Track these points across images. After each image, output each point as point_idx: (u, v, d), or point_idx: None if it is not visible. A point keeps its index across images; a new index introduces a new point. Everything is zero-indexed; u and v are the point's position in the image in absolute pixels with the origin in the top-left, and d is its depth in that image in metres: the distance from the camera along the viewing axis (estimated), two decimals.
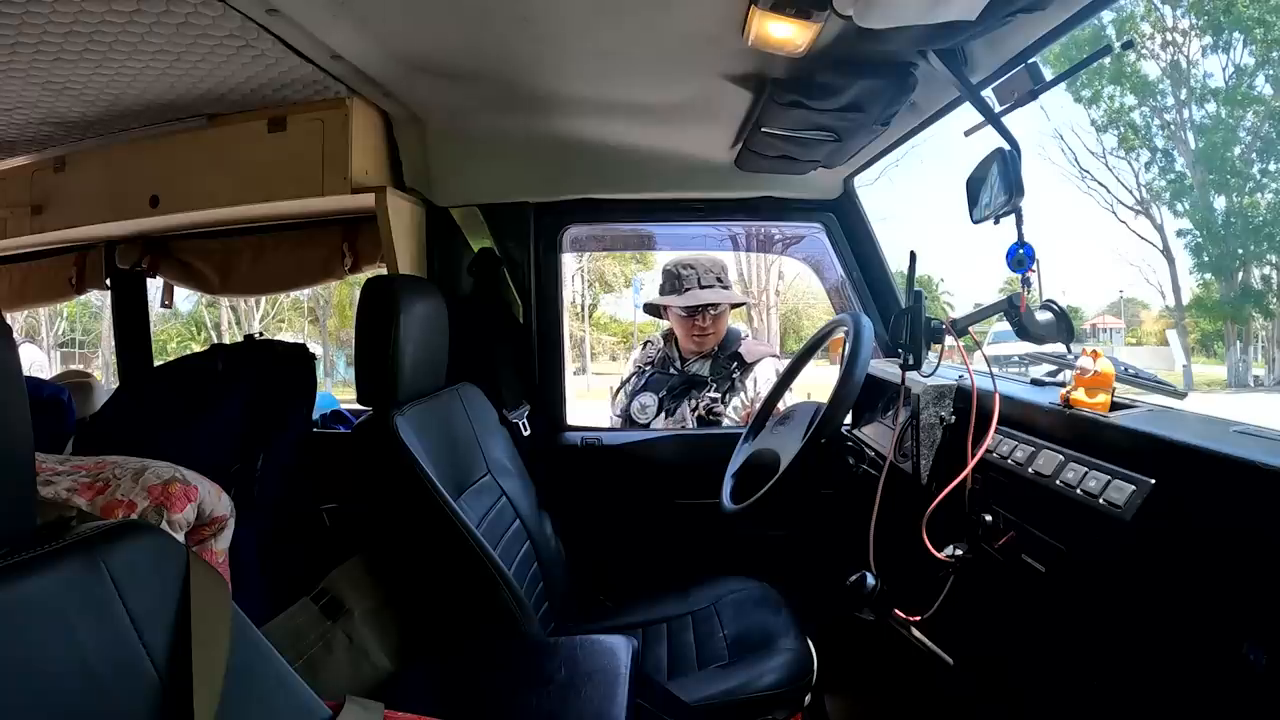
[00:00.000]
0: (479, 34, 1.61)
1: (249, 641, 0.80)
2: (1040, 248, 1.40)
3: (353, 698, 0.93)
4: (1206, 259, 21.07)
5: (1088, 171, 22.72)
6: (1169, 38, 20.77)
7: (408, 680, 1.59)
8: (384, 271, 2.21)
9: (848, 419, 2.08)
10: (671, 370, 2.84)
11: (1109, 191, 22.39)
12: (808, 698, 1.80)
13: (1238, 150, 20.57)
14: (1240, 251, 20.65)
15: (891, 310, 2.36)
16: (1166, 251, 22.17)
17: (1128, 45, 20.00)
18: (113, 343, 3.13)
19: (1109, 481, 1.09)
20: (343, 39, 1.66)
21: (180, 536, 1.31)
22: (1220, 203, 20.90)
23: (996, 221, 1.47)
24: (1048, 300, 1.45)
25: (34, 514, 0.71)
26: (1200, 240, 21.01)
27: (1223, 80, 20.80)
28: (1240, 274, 20.91)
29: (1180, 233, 21.69)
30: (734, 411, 2.70)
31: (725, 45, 1.53)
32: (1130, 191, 22.11)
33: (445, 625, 1.54)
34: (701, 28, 1.48)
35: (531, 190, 2.35)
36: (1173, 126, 21.35)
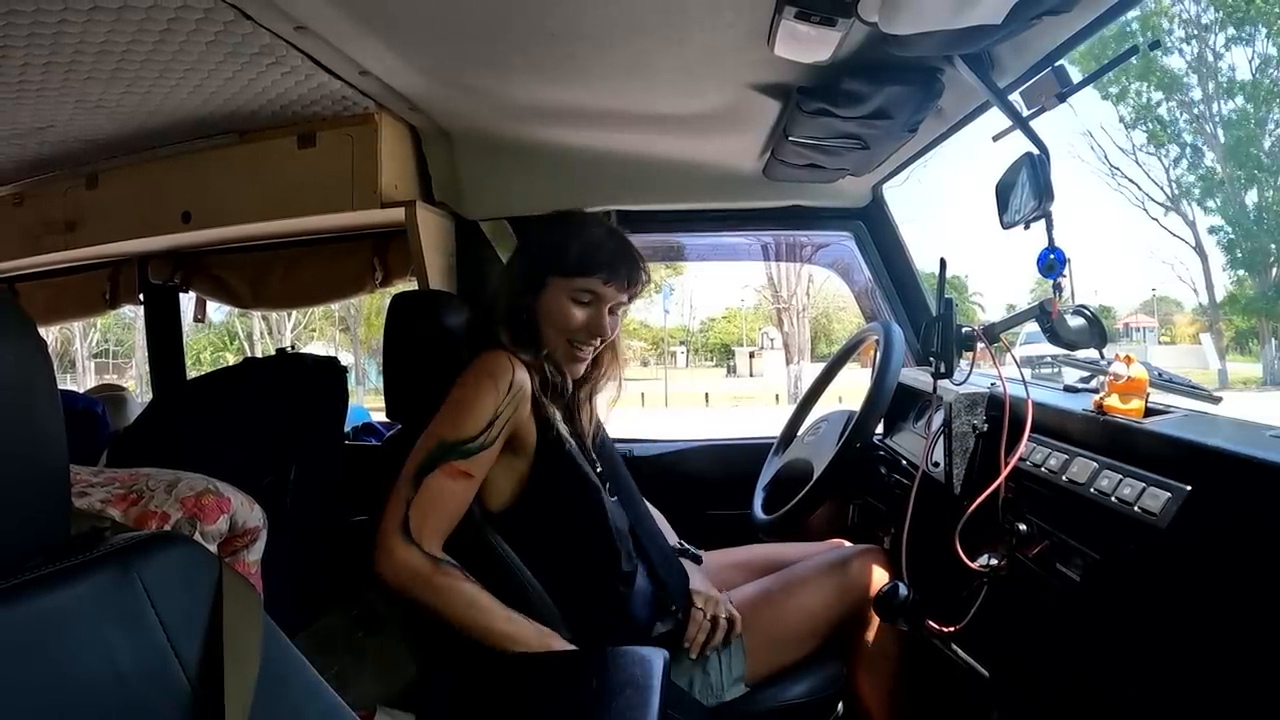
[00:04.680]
0: (505, 48, 1.62)
1: (281, 652, 0.80)
2: (1072, 246, 1.39)
3: (383, 708, 0.94)
4: (1239, 255, 20.84)
5: (1118, 168, 22.54)
6: (1193, 31, 20.56)
7: (438, 690, 1.59)
8: (415, 285, 2.22)
9: (879, 428, 2.07)
10: None
11: (1139, 188, 22.19)
12: (840, 706, 1.79)
13: (1267, 144, 20.30)
14: (1274, 247, 20.37)
15: (922, 317, 2.33)
16: (1199, 248, 21.95)
17: (1155, 45, 19.80)
18: (146, 355, 3.17)
19: (1144, 489, 1.08)
20: (370, 55, 1.67)
21: (213, 547, 1.32)
22: (1252, 197, 20.64)
23: (1027, 227, 1.46)
24: (1079, 305, 1.43)
25: (69, 524, 0.72)
26: (1233, 236, 20.75)
27: (1249, 73, 20.57)
28: (1274, 270, 20.62)
29: (1212, 229, 21.46)
30: None
31: (750, 55, 1.53)
32: (1161, 188, 21.92)
33: None
34: (726, 38, 1.48)
35: (560, 202, 2.34)
36: (1200, 121, 21.12)
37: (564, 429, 1.63)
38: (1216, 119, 20.93)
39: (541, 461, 1.59)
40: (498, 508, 1.59)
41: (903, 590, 1.51)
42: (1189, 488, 1.02)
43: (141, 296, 3.05)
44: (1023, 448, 1.38)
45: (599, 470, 1.71)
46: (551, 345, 1.65)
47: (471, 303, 1.84)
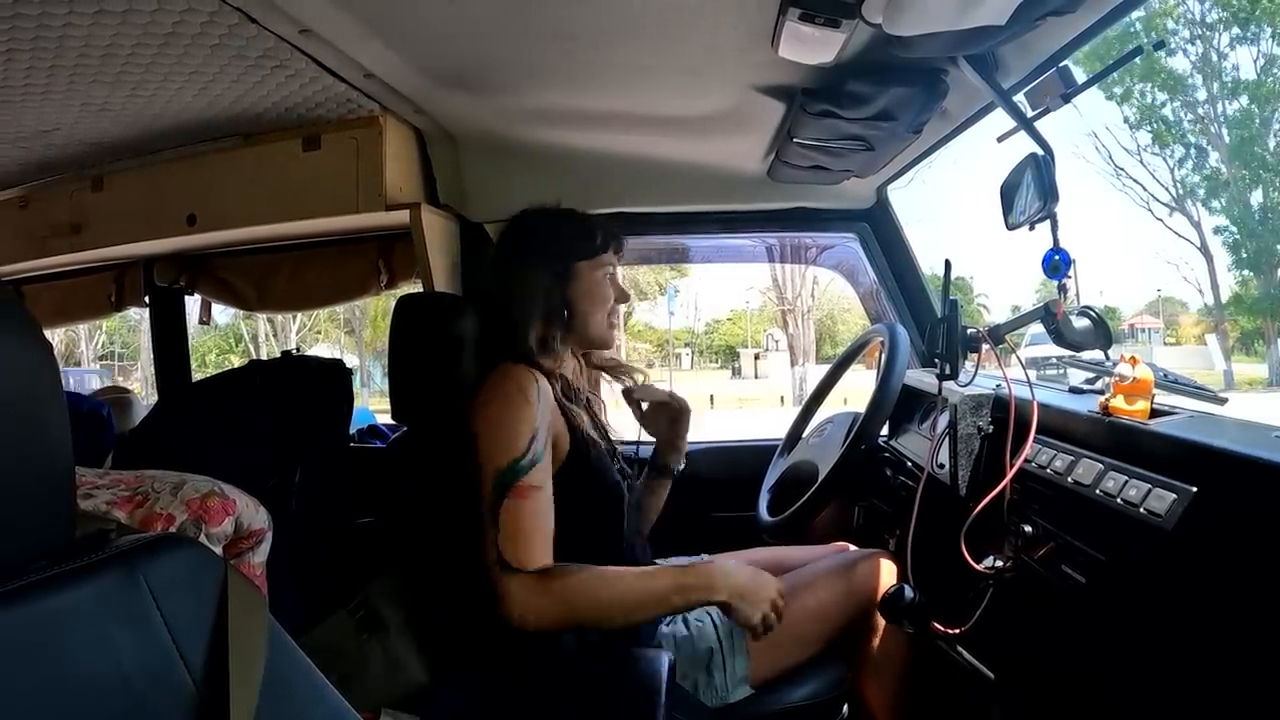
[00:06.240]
0: (509, 50, 1.62)
1: (286, 654, 0.80)
2: (1077, 248, 1.38)
3: (388, 710, 0.94)
4: (1245, 255, 20.75)
5: (1122, 169, 22.46)
6: (1197, 31, 20.52)
7: (443, 693, 1.59)
8: (420, 288, 2.22)
9: (884, 430, 2.07)
10: None
11: (1144, 189, 22.12)
12: (845, 708, 1.79)
13: (1272, 144, 20.26)
14: (1279, 247, 20.30)
15: (927, 318, 2.33)
16: (1204, 249, 21.87)
17: (1159, 46, 19.75)
18: (151, 357, 3.18)
19: (1149, 490, 1.08)
20: (375, 57, 1.67)
21: (218, 549, 1.32)
22: (1256, 197, 20.60)
23: (1032, 228, 1.45)
24: (1085, 307, 1.43)
25: (74, 526, 0.72)
26: (1238, 236, 20.69)
27: (1254, 72, 20.53)
28: (1279, 270, 20.56)
29: (1217, 229, 21.41)
30: None
31: (755, 56, 1.53)
32: (1165, 188, 21.85)
33: (482, 638, 1.54)
34: (731, 40, 1.48)
35: (565, 204, 2.36)
36: (1205, 121, 21.06)
37: (592, 432, 1.64)
38: (1221, 119, 20.88)
39: (571, 466, 1.59)
40: None
41: (908, 592, 1.51)
42: (1195, 489, 1.01)
43: (147, 299, 3.05)
44: (1028, 449, 1.37)
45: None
46: (595, 327, 1.72)
47: (477, 305, 1.84)
